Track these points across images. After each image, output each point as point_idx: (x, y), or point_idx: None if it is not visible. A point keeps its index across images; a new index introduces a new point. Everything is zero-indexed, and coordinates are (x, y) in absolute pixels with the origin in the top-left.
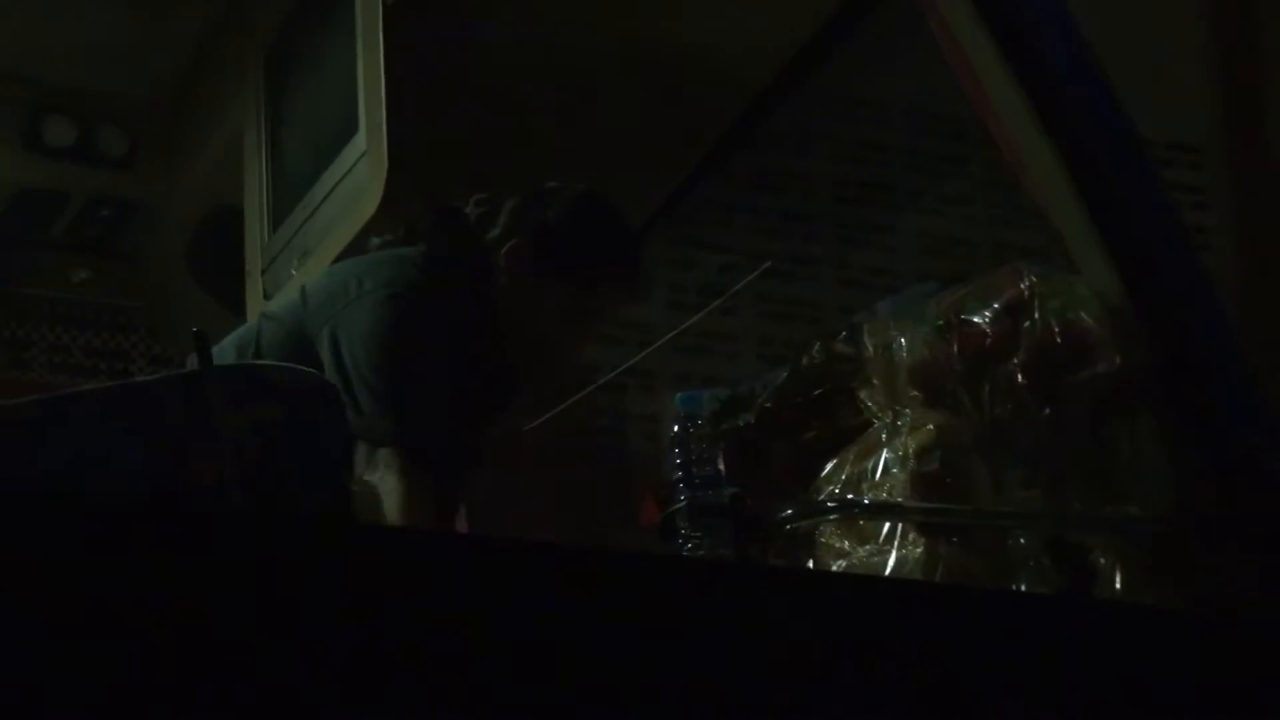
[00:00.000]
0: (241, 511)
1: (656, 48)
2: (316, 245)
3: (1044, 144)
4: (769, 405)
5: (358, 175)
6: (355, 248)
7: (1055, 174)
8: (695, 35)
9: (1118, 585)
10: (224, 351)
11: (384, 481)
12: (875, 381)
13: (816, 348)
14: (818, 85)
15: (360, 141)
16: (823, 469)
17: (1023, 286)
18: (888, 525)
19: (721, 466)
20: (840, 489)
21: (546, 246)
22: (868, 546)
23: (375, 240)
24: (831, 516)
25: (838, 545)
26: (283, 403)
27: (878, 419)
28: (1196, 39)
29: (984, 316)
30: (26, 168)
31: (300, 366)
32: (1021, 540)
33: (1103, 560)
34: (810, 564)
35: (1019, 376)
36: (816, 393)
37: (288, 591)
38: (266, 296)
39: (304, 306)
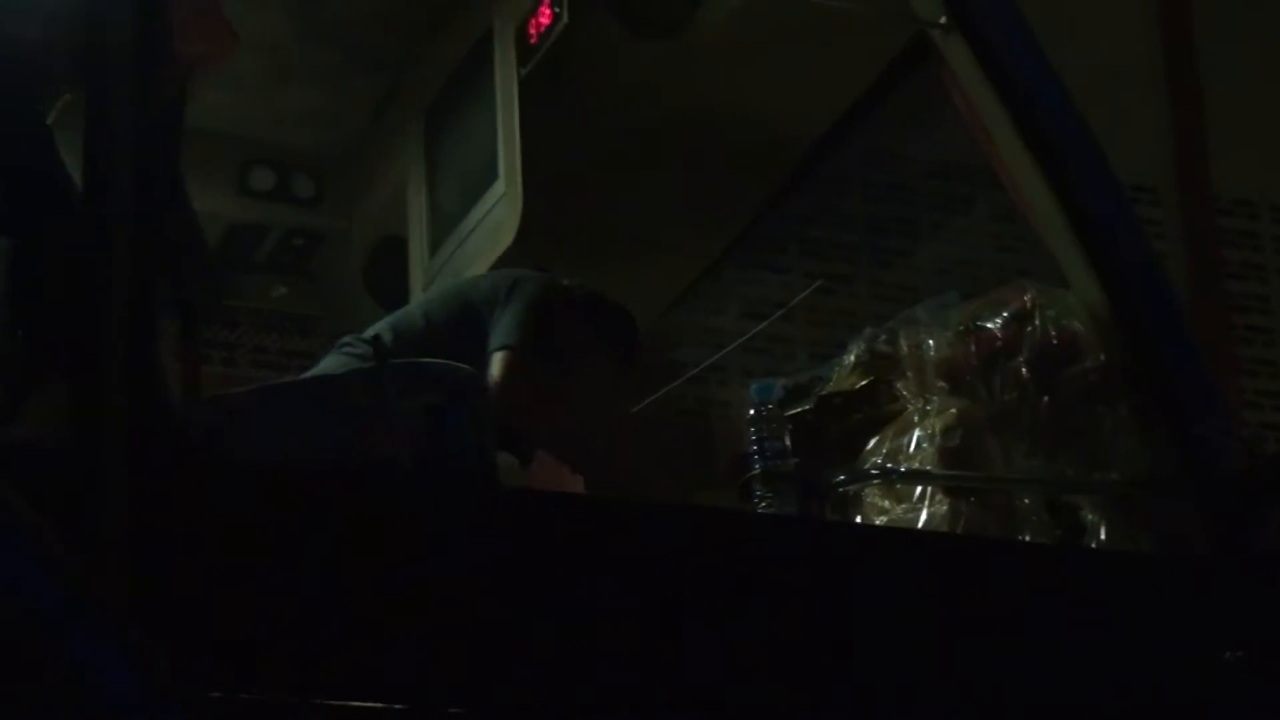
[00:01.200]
0: (411, 477)
1: (738, 115)
2: (465, 268)
3: (1043, 186)
4: (825, 394)
5: (498, 213)
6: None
7: (1051, 209)
8: (767, 107)
9: (1103, 535)
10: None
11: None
12: (909, 374)
13: (862, 348)
14: (856, 141)
15: (500, 185)
16: (867, 444)
17: (1025, 299)
18: (919, 488)
19: (788, 442)
20: (882, 460)
21: (604, 337)
22: (904, 505)
23: None
24: (875, 481)
25: (880, 504)
26: (443, 391)
27: (911, 404)
28: (1156, 103)
29: (995, 323)
30: (236, 207)
31: (456, 363)
32: (1026, 500)
33: (1091, 516)
34: (858, 519)
35: (1023, 370)
36: (862, 384)
37: (451, 539)
38: None
39: (472, 284)
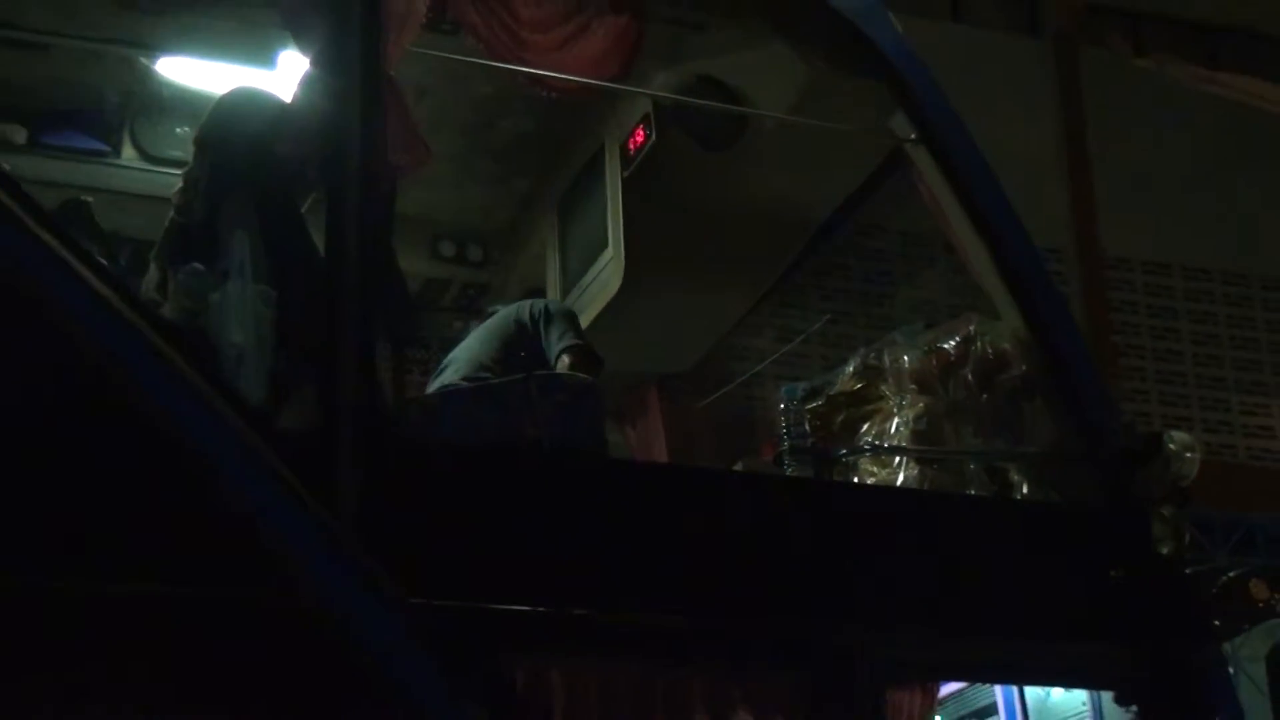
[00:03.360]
0: (548, 453)
1: (772, 201)
2: (585, 309)
3: (982, 248)
4: (833, 393)
5: (607, 272)
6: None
7: (987, 264)
8: (791, 194)
9: (1025, 490)
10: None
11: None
12: (890, 380)
13: (858, 361)
14: (854, 217)
15: (609, 252)
16: (861, 428)
17: (970, 327)
18: (898, 458)
19: (807, 426)
20: (872, 438)
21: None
22: (887, 470)
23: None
24: (867, 454)
25: (870, 469)
26: (570, 394)
27: (892, 400)
28: (1060, 189)
29: (949, 344)
30: (429, 268)
31: (579, 374)
32: (972, 466)
33: (1017, 477)
34: (855, 479)
35: (969, 377)
36: (858, 386)
37: (575, 494)
38: None
39: (519, 308)
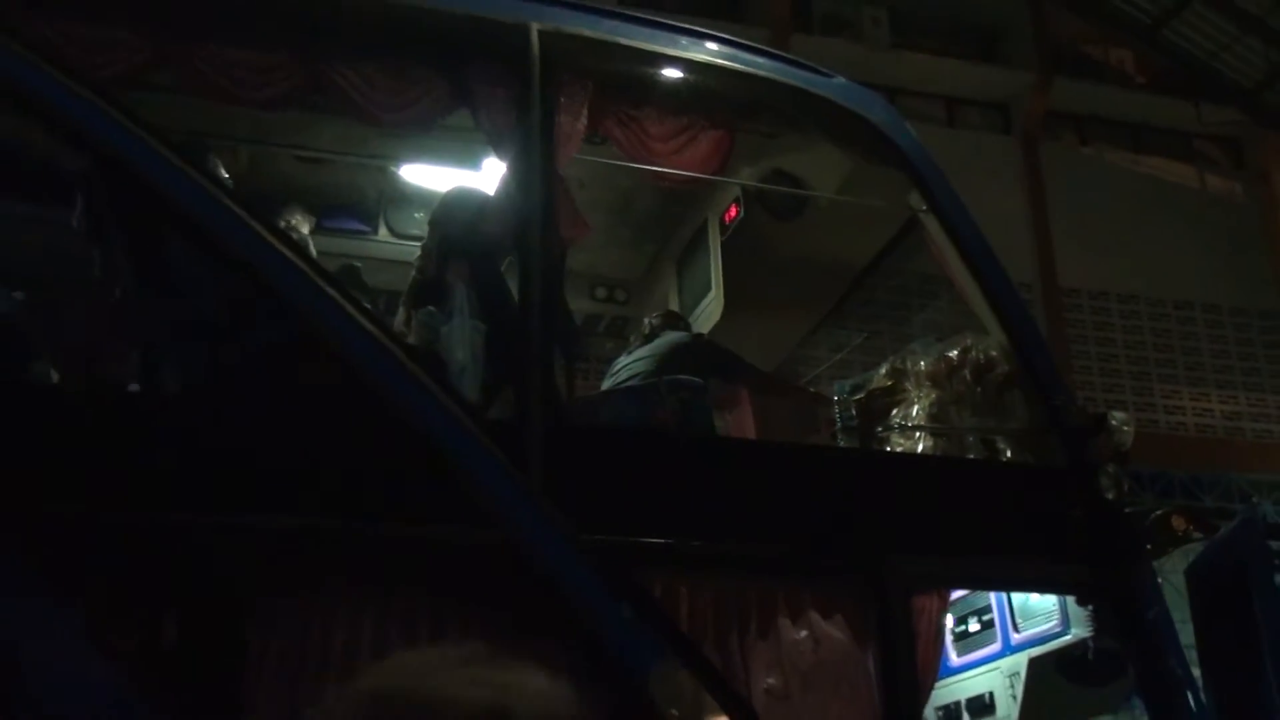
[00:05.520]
0: (674, 435)
1: (825, 254)
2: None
3: (975, 287)
4: (871, 388)
5: (712, 307)
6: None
7: (979, 296)
8: (840, 249)
9: (1009, 455)
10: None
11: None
12: (911, 378)
13: (889, 366)
14: (885, 264)
15: (713, 293)
16: (892, 413)
17: (967, 341)
18: (918, 434)
19: (854, 412)
20: (899, 421)
21: None
22: (910, 442)
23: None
24: (896, 431)
25: (899, 442)
26: (687, 391)
27: (913, 393)
28: (1028, 240)
29: (953, 352)
30: (588, 306)
31: (692, 377)
32: (970, 438)
33: (1002, 446)
34: (888, 449)
35: (967, 375)
36: (889, 384)
37: (693, 462)
38: None
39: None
